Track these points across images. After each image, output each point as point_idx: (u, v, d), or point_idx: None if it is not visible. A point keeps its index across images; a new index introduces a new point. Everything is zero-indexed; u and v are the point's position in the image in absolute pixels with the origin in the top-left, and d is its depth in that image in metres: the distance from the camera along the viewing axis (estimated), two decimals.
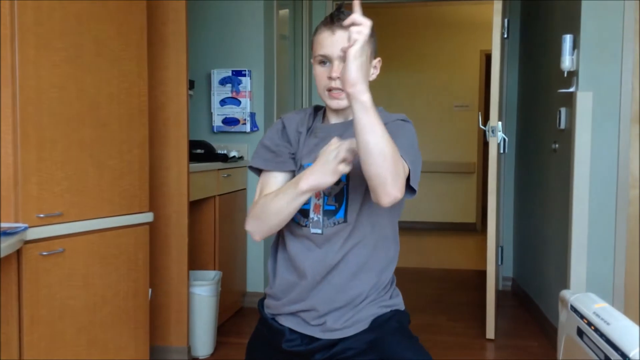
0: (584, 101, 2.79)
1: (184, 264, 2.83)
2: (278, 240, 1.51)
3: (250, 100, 3.71)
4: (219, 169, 3.36)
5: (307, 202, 1.39)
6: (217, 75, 3.73)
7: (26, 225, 1.93)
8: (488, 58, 5.66)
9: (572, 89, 2.87)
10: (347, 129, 1.41)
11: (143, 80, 2.35)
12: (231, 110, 3.72)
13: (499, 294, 3.91)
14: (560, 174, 3.08)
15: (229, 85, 3.71)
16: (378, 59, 1.48)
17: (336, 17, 1.38)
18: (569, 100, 2.92)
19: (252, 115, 3.73)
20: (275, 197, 1.34)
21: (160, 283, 2.82)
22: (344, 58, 1.14)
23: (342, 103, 1.40)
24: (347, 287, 1.41)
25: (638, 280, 2.81)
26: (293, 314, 1.46)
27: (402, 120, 1.47)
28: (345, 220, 1.39)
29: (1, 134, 1.90)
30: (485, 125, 3.27)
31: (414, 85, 6.90)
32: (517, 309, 3.89)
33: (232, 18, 3.74)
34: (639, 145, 2.80)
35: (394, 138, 1.22)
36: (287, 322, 1.47)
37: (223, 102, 3.73)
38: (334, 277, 1.40)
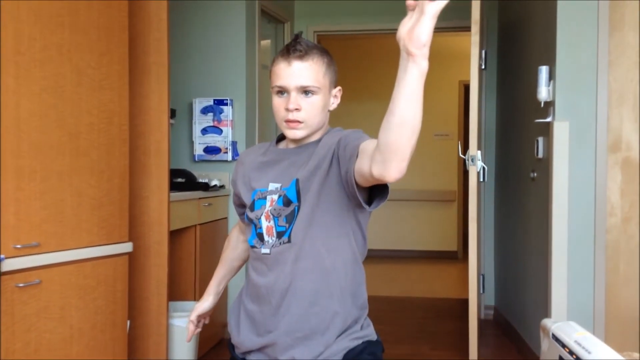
0: (561, 131, 2.85)
1: (163, 294, 2.79)
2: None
3: (231, 129, 3.71)
4: (199, 198, 3.34)
5: (260, 226, 1.41)
6: (198, 104, 3.73)
7: (2, 256, 1.89)
8: (466, 88, 5.76)
9: (548, 119, 2.92)
10: (299, 154, 1.43)
11: (124, 109, 2.35)
12: (213, 139, 3.72)
13: (481, 322, 3.90)
14: (539, 203, 3.12)
15: (211, 114, 3.71)
16: (338, 88, 1.47)
17: (292, 48, 1.37)
18: (546, 130, 2.97)
19: (234, 144, 3.73)
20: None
21: (139, 314, 2.77)
22: (414, 8, 1.05)
23: (299, 133, 1.40)
24: (307, 315, 1.37)
25: (618, 308, 2.83)
26: (260, 350, 1.43)
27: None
28: (289, 241, 1.37)
29: None
30: (464, 154, 3.31)
31: None
32: (499, 338, 3.88)
33: (214, 47, 3.77)
34: (615, 174, 2.85)
35: (361, 140, 1.26)
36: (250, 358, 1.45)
37: (205, 131, 3.73)
38: (292, 305, 1.37)
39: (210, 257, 3.50)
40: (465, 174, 5.03)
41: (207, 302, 1.67)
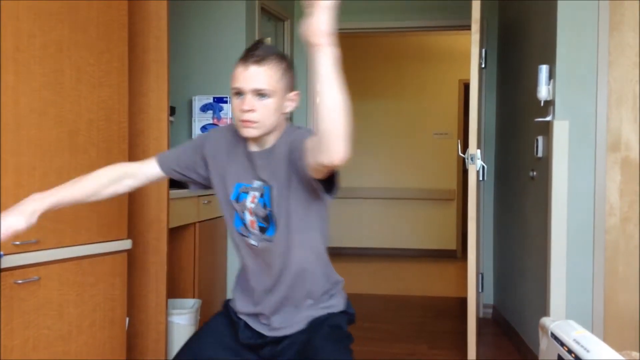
0: (561, 130, 2.85)
1: (162, 292, 2.79)
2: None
3: None
4: (199, 196, 3.34)
5: (244, 218, 1.60)
6: (198, 101, 3.73)
7: (1, 252, 1.89)
8: (466, 87, 5.76)
9: (548, 118, 2.92)
10: (269, 156, 1.56)
11: (123, 107, 2.35)
12: None
13: (479, 321, 3.90)
14: (539, 202, 3.12)
15: (210, 111, 3.71)
16: (295, 92, 1.58)
17: (251, 53, 1.49)
18: (546, 129, 2.97)
19: None
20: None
21: (138, 312, 2.77)
22: (308, 7, 1.21)
23: (252, 132, 1.51)
24: (290, 295, 1.61)
25: (617, 307, 2.84)
26: (248, 314, 1.69)
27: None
28: (271, 240, 1.57)
29: None
30: (464, 153, 3.31)
31: (394, 113, 6.97)
32: (498, 337, 3.89)
33: (214, 45, 3.77)
34: (615, 174, 2.85)
35: (305, 137, 1.41)
36: (244, 317, 1.70)
37: (204, 129, 3.73)
38: (278, 290, 1.61)
39: (210, 255, 3.50)
40: (464, 172, 5.03)
41: (19, 222, 1.49)
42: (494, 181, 4.39)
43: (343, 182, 6.05)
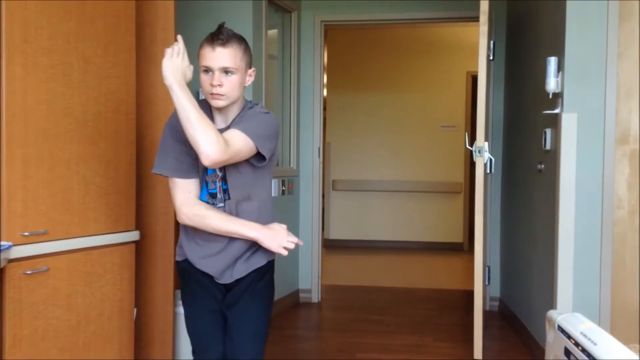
0: (569, 122, 2.83)
1: (170, 283, 2.80)
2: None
3: None
4: None
5: (215, 187, 1.84)
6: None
7: (10, 243, 1.90)
8: (474, 79, 5.73)
9: (557, 111, 2.91)
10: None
11: (131, 98, 2.35)
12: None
13: (486, 314, 3.90)
14: (546, 194, 3.11)
15: None
16: (252, 69, 1.87)
17: (216, 37, 1.76)
18: (554, 122, 2.95)
19: None
20: (222, 221, 1.81)
21: (146, 303, 2.78)
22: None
23: (221, 103, 1.79)
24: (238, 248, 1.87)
25: (624, 300, 2.83)
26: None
27: (261, 112, 1.86)
28: (229, 198, 1.84)
29: None
30: (471, 146, 3.30)
31: (401, 105, 6.95)
32: (504, 329, 3.89)
33: None
34: (623, 166, 2.84)
35: (244, 122, 1.77)
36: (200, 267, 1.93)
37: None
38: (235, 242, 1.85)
39: None
40: (472, 165, 5.02)
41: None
42: (502, 174, 4.38)
43: (349, 174, 6.03)
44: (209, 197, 1.86)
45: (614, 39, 2.79)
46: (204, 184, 1.86)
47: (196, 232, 1.87)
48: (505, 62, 4.36)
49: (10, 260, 1.91)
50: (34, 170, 1.98)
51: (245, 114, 1.84)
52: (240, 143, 1.72)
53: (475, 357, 3.23)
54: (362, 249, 6.77)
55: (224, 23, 1.81)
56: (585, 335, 1.58)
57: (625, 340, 1.77)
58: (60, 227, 2.08)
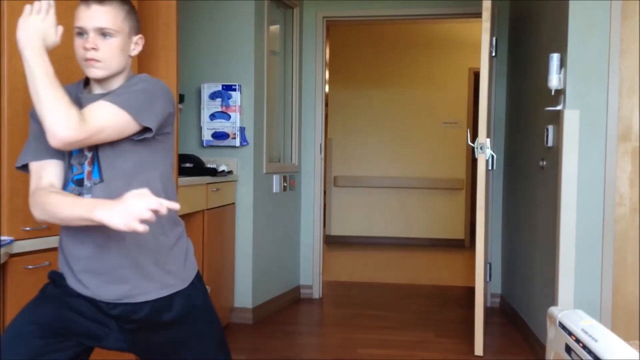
0: (571, 119, 2.83)
1: None
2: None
3: (240, 114, 3.71)
4: (207, 183, 3.35)
5: (82, 172, 1.50)
6: (207, 89, 3.73)
7: (12, 238, 1.91)
8: (476, 76, 5.72)
9: (559, 107, 2.90)
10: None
11: None
12: (221, 125, 3.72)
13: (487, 310, 3.91)
14: (548, 191, 3.11)
15: (219, 99, 3.71)
16: (139, 35, 1.58)
17: None
18: (556, 118, 2.95)
19: (242, 129, 3.73)
20: (64, 205, 1.40)
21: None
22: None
23: (98, 72, 1.49)
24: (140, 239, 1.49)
25: (625, 298, 2.83)
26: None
27: (143, 80, 1.54)
28: (101, 180, 1.48)
29: None
30: (473, 142, 3.30)
31: (403, 102, 6.94)
32: (505, 326, 3.89)
33: (223, 33, 3.76)
34: (625, 164, 2.83)
35: (117, 93, 1.44)
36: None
37: (213, 117, 3.73)
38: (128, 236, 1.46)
39: (218, 242, 3.52)
40: (473, 162, 5.01)
41: None
42: (503, 170, 4.38)
43: (351, 171, 6.01)
44: (74, 186, 1.51)
45: (616, 36, 2.79)
46: (69, 170, 1.52)
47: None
48: (508, 58, 4.35)
49: (12, 255, 1.91)
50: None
51: (124, 85, 1.53)
52: (104, 118, 1.40)
53: (476, 353, 3.24)
54: (364, 246, 6.77)
55: None
56: (586, 332, 1.59)
57: (626, 337, 1.77)
58: None
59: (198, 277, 1.64)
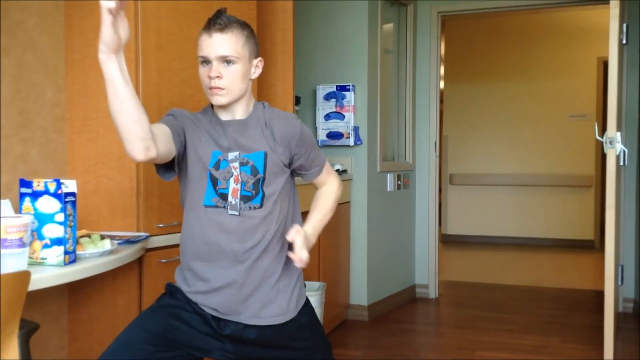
0: None
1: None
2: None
3: (353, 114, 3.76)
4: None
5: (226, 187, 1.55)
6: (322, 90, 3.81)
7: (147, 234, 2.08)
8: (605, 65, 5.35)
9: None
10: (245, 127, 1.58)
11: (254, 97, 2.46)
12: (335, 125, 3.79)
13: (619, 315, 3.65)
14: None
15: (334, 100, 3.78)
16: (259, 59, 1.61)
17: (213, 22, 1.52)
18: None
19: (356, 129, 3.77)
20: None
21: None
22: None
23: (221, 99, 1.53)
24: (275, 265, 1.67)
25: None
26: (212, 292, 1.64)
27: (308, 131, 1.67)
28: (261, 206, 1.56)
29: None
30: (602, 136, 3.09)
31: (525, 95, 6.65)
32: (638, 333, 3.61)
33: (337, 34, 3.82)
34: None
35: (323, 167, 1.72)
36: None
37: (327, 117, 3.81)
38: (264, 263, 1.62)
39: (334, 240, 3.58)
40: (603, 157, 4.69)
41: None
42: (637, 166, 4.06)
43: (468, 168, 5.88)
44: (218, 198, 1.56)
45: None
46: (209, 181, 1.57)
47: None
48: None
49: (148, 250, 2.08)
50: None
51: (268, 109, 1.62)
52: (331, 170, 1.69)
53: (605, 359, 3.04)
54: (482, 245, 6.57)
55: (224, 8, 1.56)
56: None
57: None
58: None
59: (306, 302, 1.72)
